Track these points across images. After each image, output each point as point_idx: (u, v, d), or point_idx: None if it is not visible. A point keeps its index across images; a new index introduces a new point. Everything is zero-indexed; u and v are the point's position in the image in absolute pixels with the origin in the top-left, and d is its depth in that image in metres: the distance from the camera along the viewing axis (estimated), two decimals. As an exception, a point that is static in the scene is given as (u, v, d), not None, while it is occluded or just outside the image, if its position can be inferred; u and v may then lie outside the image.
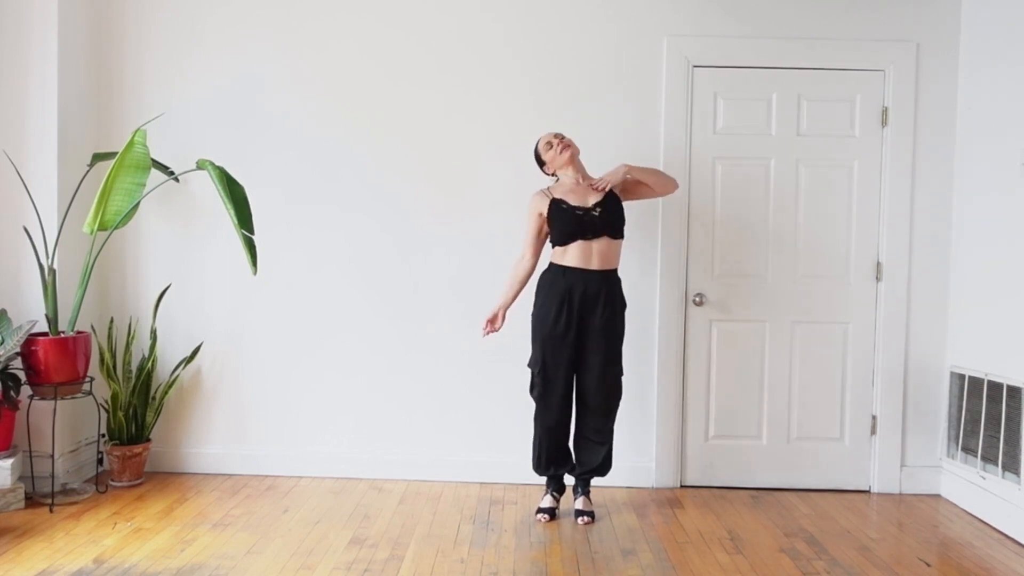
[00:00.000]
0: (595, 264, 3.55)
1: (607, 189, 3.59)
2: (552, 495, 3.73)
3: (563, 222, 3.56)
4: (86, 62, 4.07)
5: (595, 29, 4.11)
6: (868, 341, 4.14)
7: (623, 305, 3.66)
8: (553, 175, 3.74)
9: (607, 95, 4.10)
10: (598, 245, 3.55)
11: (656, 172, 3.69)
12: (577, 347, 3.60)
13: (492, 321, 3.71)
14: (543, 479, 3.79)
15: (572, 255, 3.56)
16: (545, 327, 3.58)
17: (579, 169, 3.65)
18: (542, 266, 3.69)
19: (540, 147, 3.72)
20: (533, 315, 3.66)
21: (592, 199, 3.58)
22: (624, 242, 3.69)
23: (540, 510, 3.67)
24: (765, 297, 4.15)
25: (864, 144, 4.12)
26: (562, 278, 3.57)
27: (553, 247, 3.64)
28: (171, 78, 4.15)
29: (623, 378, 3.70)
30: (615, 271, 3.64)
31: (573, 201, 3.57)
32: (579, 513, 3.64)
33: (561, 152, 3.62)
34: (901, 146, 4.08)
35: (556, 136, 3.67)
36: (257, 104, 4.15)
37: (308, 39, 4.14)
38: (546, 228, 3.65)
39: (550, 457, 3.71)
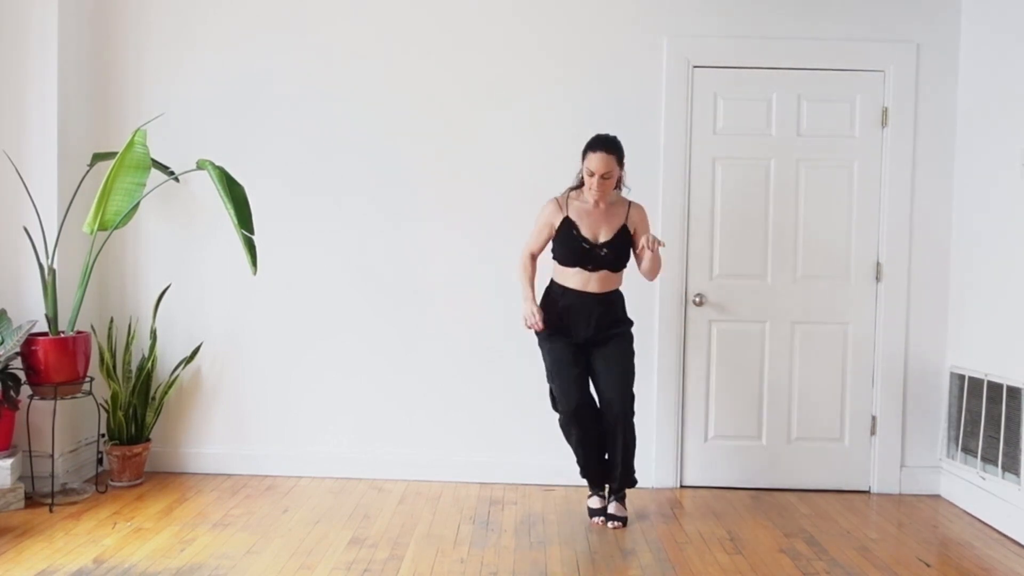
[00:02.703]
0: (593, 288, 3.53)
1: (651, 245, 3.43)
2: (598, 496, 3.71)
3: (568, 249, 3.53)
4: (86, 62, 4.07)
5: (595, 29, 4.11)
6: (868, 341, 4.14)
7: (627, 321, 3.62)
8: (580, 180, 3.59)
9: (607, 95, 4.10)
10: (597, 275, 3.52)
11: (655, 268, 3.58)
12: (587, 360, 3.55)
13: (534, 315, 3.53)
14: (566, 479, 3.85)
15: (572, 279, 3.54)
16: (551, 335, 3.55)
17: (603, 197, 3.53)
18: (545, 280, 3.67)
19: (586, 160, 3.47)
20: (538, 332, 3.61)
21: (603, 234, 3.50)
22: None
23: (591, 512, 3.65)
24: (765, 297, 4.15)
25: (864, 144, 4.12)
26: (561, 296, 3.56)
27: (553, 258, 3.61)
28: (171, 78, 4.15)
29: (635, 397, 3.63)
30: (616, 291, 3.61)
31: (585, 229, 3.51)
32: (609, 517, 3.60)
33: (591, 189, 3.48)
34: (901, 146, 4.08)
35: (603, 174, 3.42)
36: (257, 104, 4.14)
37: (309, 38, 4.13)
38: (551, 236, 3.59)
39: (587, 467, 3.67)
